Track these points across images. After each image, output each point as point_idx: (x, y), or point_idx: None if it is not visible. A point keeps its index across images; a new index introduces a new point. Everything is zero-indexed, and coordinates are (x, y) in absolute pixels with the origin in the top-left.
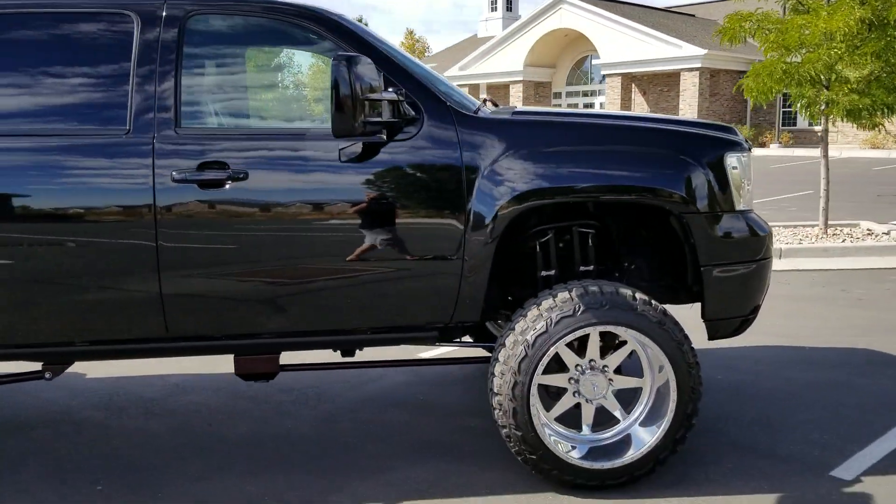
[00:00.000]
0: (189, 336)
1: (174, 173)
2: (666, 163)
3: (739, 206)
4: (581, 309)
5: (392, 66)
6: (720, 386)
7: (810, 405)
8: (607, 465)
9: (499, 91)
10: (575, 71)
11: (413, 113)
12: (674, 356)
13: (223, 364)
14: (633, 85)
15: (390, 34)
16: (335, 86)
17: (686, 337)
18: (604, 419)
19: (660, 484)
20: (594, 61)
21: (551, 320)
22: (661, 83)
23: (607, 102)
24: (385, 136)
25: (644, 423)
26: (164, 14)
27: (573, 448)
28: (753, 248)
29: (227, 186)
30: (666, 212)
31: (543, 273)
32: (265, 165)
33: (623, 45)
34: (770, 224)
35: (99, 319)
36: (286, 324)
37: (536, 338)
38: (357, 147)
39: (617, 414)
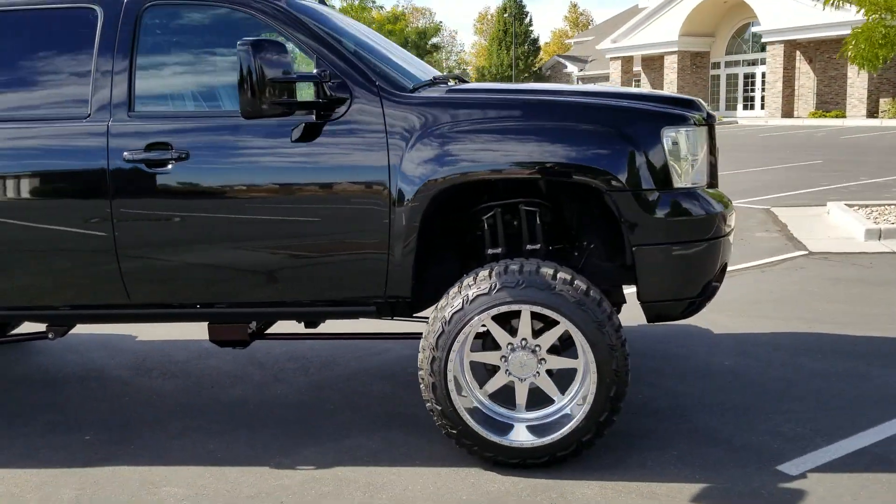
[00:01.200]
0: (148, 303)
1: (126, 154)
2: (592, 139)
3: (678, 184)
4: (497, 287)
5: (325, 48)
6: (719, 371)
7: (803, 395)
8: (527, 443)
9: (653, 63)
10: (735, 40)
11: (343, 93)
12: (593, 337)
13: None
14: (798, 53)
15: (555, 7)
16: (238, 69)
17: (609, 318)
18: (541, 399)
19: (587, 467)
20: (754, 28)
21: (468, 298)
22: (829, 49)
23: (769, 72)
24: (315, 117)
25: (580, 404)
26: (123, 5)
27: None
28: (692, 228)
29: (170, 166)
30: (597, 190)
31: (490, 251)
32: (206, 147)
33: (786, 9)
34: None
35: (73, 287)
36: (230, 295)
37: (453, 315)
38: (287, 128)
39: (552, 394)
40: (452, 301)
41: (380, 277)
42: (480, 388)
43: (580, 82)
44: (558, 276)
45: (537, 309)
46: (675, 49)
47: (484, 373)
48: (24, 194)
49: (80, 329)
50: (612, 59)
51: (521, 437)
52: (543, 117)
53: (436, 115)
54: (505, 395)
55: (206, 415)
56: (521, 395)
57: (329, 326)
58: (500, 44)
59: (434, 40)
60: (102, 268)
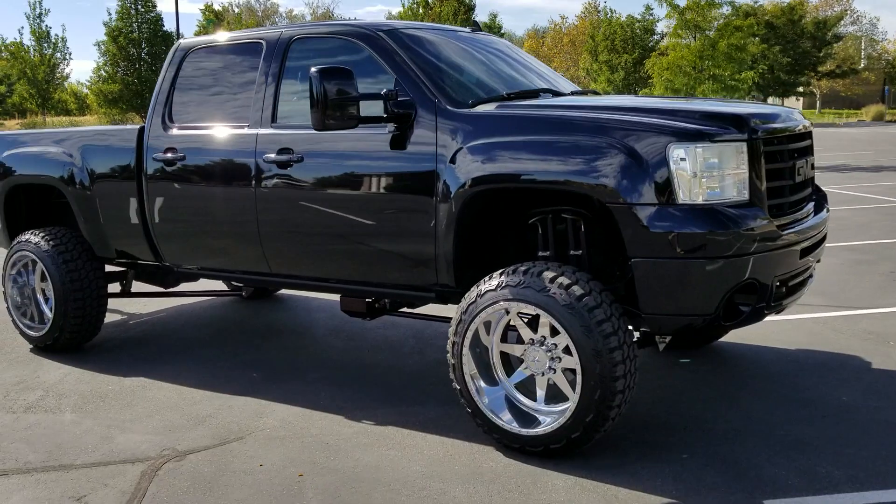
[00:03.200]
0: (281, 273)
1: (266, 155)
2: (597, 153)
3: (684, 200)
4: (503, 285)
5: (401, 72)
6: (822, 401)
7: (867, 442)
8: (523, 432)
9: None
10: None
11: (410, 109)
12: (579, 339)
13: None
14: None
15: None
16: (309, 91)
17: (599, 324)
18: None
19: (579, 465)
20: None
21: (480, 292)
22: None
23: None
24: (391, 128)
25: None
26: (278, 40)
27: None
28: (694, 244)
29: (292, 166)
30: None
31: (541, 254)
32: (314, 152)
33: None
34: None
35: (238, 257)
36: (328, 272)
37: (468, 306)
38: (370, 137)
39: (566, 391)
40: (471, 294)
41: (430, 267)
42: (508, 377)
43: None
44: (556, 280)
45: (531, 308)
46: None
47: (508, 363)
48: (209, 182)
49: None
50: None
51: (514, 424)
52: (557, 133)
53: (473, 129)
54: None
55: (339, 370)
56: (541, 388)
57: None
58: None
59: (845, 29)
60: (251, 243)
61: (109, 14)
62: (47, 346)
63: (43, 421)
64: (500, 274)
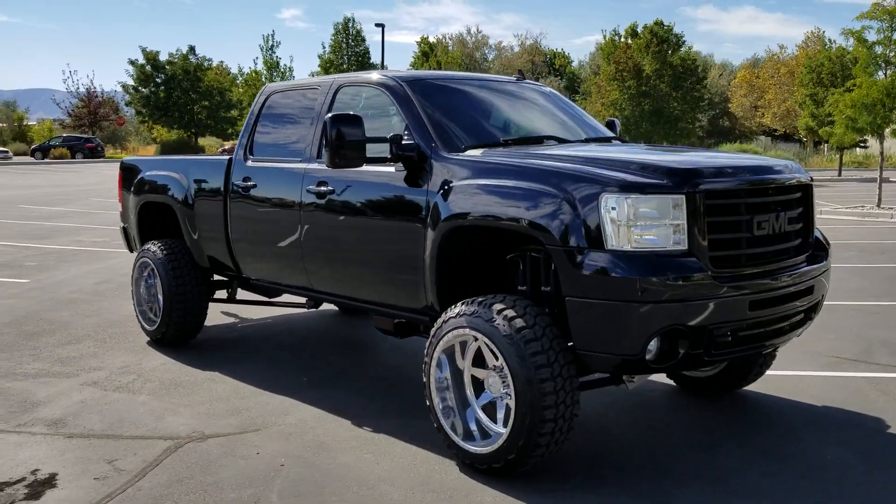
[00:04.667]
0: (319, 290)
1: (309, 187)
2: (544, 200)
3: (612, 246)
4: (461, 314)
5: (410, 118)
6: (795, 455)
7: (822, 485)
8: (472, 449)
9: None
10: None
11: (412, 152)
12: (515, 367)
13: None
14: None
15: None
16: (322, 135)
17: (534, 355)
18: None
19: (516, 486)
20: None
21: (445, 319)
22: None
23: None
24: (399, 168)
25: (506, 426)
26: (329, 87)
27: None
28: (619, 288)
29: (326, 197)
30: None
31: (520, 287)
32: (342, 186)
33: None
34: None
35: (289, 271)
36: (350, 291)
37: (435, 331)
38: (384, 174)
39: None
40: (439, 320)
41: (421, 292)
42: (476, 398)
43: None
44: (503, 312)
45: (479, 335)
46: None
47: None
48: (269, 206)
49: None
50: None
51: (465, 442)
52: (516, 179)
53: (457, 172)
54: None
55: (377, 380)
56: (500, 410)
57: None
58: None
59: None
60: (296, 260)
61: (323, 47)
62: (157, 340)
63: (122, 399)
64: (462, 303)
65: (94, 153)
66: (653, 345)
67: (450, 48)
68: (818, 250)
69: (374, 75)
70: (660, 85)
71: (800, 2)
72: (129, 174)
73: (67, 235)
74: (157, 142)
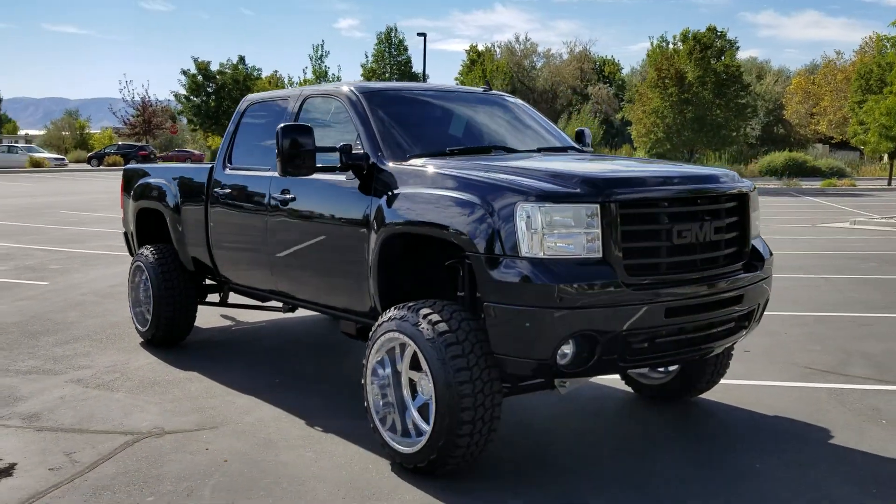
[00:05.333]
0: (282, 292)
1: (274, 194)
2: (466, 208)
3: (526, 253)
4: (393, 318)
5: (362, 128)
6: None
7: (737, 489)
8: (400, 449)
9: None
10: None
11: (362, 160)
12: (436, 370)
13: None
14: None
15: None
16: (276, 145)
17: (454, 358)
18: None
19: (437, 485)
20: None
21: (379, 322)
22: None
23: None
24: (349, 176)
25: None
26: (298, 98)
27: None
28: (531, 294)
29: (286, 206)
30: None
31: (459, 293)
32: (301, 192)
33: None
34: None
35: (261, 275)
36: (312, 296)
37: (371, 334)
38: (334, 182)
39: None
40: (375, 324)
41: (367, 296)
42: (413, 400)
43: None
44: (428, 316)
45: (406, 339)
46: None
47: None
48: (243, 212)
49: None
50: None
51: (394, 441)
52: (443, 189)
53: (396, 181)
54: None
55: (345, 383)
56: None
57: None
58: None
59: None
60: (265, 264)
61: (367, 57)
62: (149, 341)
63: (99, 396)
64: (395, 308)
65: (146, 161)
66: (565, 350)
67: (497, 56)
68: (755, 260)
69: (337, 86)
70: (702, 92)
71: (864, 5)
72: (129, 181)
73: (99, 240)
74: (211, 149)
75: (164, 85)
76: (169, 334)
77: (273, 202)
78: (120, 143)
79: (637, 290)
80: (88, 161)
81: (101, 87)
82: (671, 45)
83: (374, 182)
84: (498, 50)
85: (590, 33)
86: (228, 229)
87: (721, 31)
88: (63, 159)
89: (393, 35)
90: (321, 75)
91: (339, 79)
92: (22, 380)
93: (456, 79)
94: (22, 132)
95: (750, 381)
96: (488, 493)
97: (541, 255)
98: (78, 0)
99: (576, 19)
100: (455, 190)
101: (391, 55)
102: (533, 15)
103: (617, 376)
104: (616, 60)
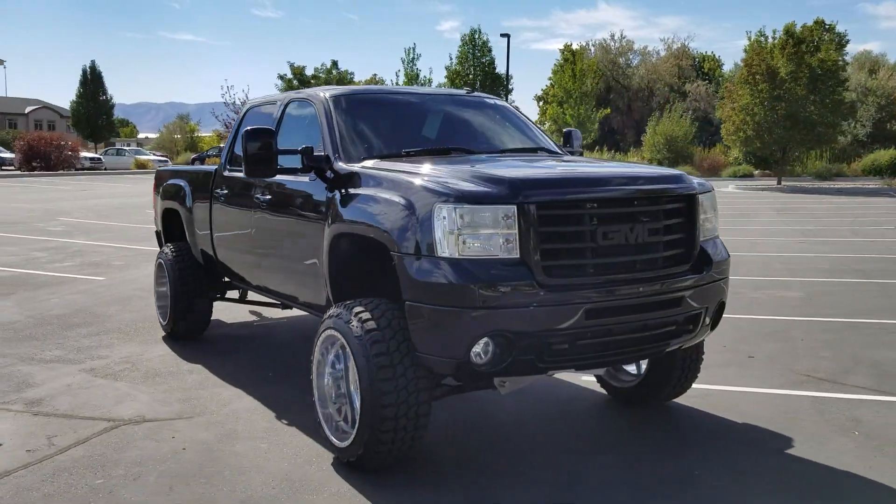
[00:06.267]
0: (271, 290)
1: (258, 194)
2: (392, 208)
3: (443, 253)
4: (332, 315)
5: (325, 131)
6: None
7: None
8: (336, 443)
9: None
10: None
11: (323, 162)
12: (361, 366)
13: None
14: None
15: None
16: (242, 148)
17: (378, 356)
18: None
19: (371, 480)
20: None
21: (322, 320)
22: None
23: None
24: (312, 176)
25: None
26: (282, 102)
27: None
28: (446, 294)
29: (266, 204)
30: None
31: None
32: (277, 191)
33: None
34: None
35: (251, 270)
36: (286, 290)
37: (318, 328)
38: (299, 182)
39: None
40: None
41: (323, 292)
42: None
43: None
44: (359, 314)
45: (338, 335)
46: None
47: None
48: (235, 210)
49: None
50: None
51: (332, 436)
52: (376, 189)
53: (347, 181)
54: None
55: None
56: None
57: None
58: None
59: None
60: (253, 260)
61: (451, 59)
62: (169, 334)
63: (102, 385)
64: (335, 305)
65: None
66: (480, 350)
67: (591, 54)
68: (703, 262)
69: (314, 91)
70: (795, 88)
71: None
72: (158, 182)
73: None
74: None
75: (265, 90)
76: (186, 328)
77: (256, 202)
78: (221, 145)
79: (554, 292)
80: (192, 163)
81: (213, 92)
82: (771, 40)
83: (332, 183)
84: (592, 48)
85: (696, 29)
86: (226, 228)
87: (830, 25)
88: (166, 161)
89: (477, 36)
90: (413, 78)
91: (430, 81)
92: (41, 368)
93: (549, 78)
94: (141, 136)
95: (736, 387)
96: (409, 490)
97: (457, 255)
98: (194, 8)
99: (682, 14)
100: (385, 190)
101: (475, 56)
102: (637, 11)
103: (593, 378)
104: (717, 56)
